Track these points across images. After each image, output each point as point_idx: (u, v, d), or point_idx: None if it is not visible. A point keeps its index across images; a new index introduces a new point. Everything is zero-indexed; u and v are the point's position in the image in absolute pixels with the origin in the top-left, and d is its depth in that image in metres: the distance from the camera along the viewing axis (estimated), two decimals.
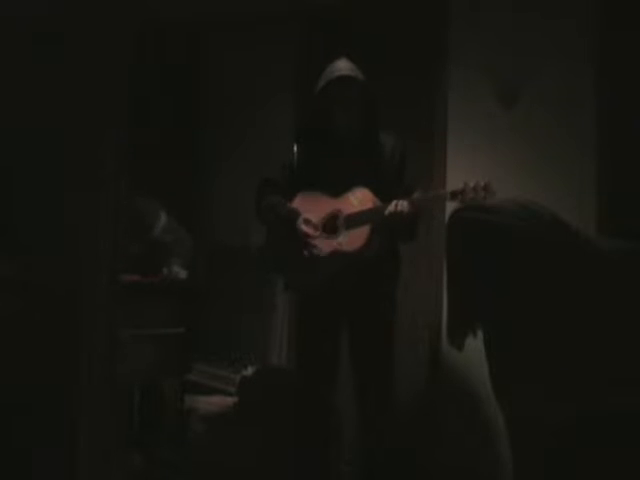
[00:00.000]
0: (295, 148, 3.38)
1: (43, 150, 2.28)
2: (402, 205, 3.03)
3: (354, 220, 3.16)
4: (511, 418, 2.33)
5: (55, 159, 2.29)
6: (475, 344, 2.39)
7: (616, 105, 3.20)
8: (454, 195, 2.96)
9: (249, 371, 3.97)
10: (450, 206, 3.24)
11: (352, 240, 3.14)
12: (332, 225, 3.22)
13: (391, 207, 3.05)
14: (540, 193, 2.85)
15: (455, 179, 3.49)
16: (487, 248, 2.32)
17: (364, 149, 3.26)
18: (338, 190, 3.24)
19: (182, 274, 3.94)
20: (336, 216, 3.21)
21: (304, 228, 3.22)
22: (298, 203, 3.30)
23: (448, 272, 2.44)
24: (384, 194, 3.15)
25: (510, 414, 2.33)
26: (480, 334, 2.39)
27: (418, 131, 3.74)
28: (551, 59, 3.36)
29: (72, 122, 2.26)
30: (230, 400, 3.96)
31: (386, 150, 3.26)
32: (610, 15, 3.21)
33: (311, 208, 3.26)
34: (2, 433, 2.25)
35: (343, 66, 3.22)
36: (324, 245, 3.20)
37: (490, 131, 3.48)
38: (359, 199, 3.18)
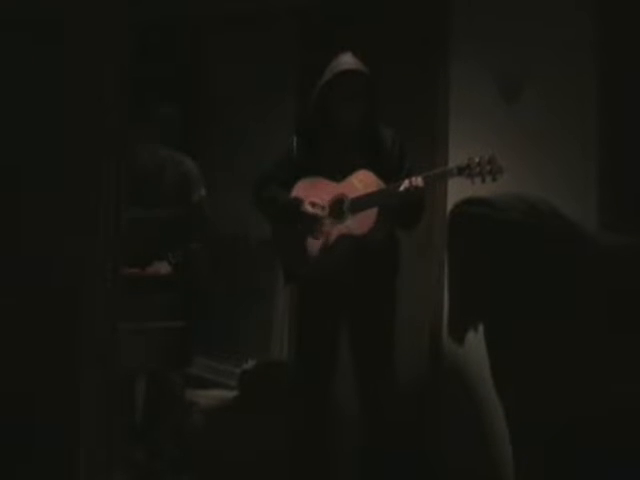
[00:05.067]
0: (294, 141, 3.37)
1: (44, 144, 2.27)
2: (417, 180, 3.02)
3: (360, 203, 3.14)
4: (512, 415, 2.33)
5: (56, 154, 2.28)
6: (477, 340, 2.37)
7: (618, 99, 3.18)
8: (461, 170, 2.96)
9: (250, 365, 3.98)
10: (451, 200, 3.28)
11: (360, 223, 3.12)
12: (338, 210, 3.20)
13: (406, 183, 3.03)
14: (541, 187, 2.87)
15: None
16: (488, 242, 2.32)
17: (365, 142, 3.25)
18: (340, 176, 3.22)
19: (165, 269, 3.92)
20: (341, 200, 3.19)
21: (311, 209, 3.20)
22: (300, 190, 3.28)
23: (449, 266, 2.43)
24: (386, 182, 3.15)
25: (511, 411, 2.33)
26: (481, 329, 2.37)
27: (419, 126, 3.73)
28: (553, 54, 3.35)
29: (72, 119, 2.26)
30: (231, 394, 3.98)
31: (387, 142, 3.26)
32: (611, 10, 3.19)
33: (314, 194, 3.24)
34: (2, 431, 2.25)
35: (348, 60, 3.22)
36: (332, 230, 3.18)
37: (492, 126, 3.46)
38: (363, 182, 3.17)
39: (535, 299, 2.24)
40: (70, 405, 2.31)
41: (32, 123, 2.23)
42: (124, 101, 2.31)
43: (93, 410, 2.35)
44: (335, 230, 3.18)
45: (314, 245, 3.22)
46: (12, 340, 2.28)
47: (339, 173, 3.24)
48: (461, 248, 2.40)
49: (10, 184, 2.25)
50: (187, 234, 3.98)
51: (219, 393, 4.12)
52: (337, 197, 3.21)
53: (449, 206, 3.26)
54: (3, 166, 2.24)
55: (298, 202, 3.24)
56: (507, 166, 2.95)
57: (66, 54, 2.22)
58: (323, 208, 3.21)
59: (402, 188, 3.04)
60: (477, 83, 3.57)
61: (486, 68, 3.53)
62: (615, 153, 3.20)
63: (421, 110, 3.76)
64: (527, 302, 2.26)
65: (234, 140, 4.89)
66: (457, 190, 3.34)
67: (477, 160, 2.93)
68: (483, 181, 2.93)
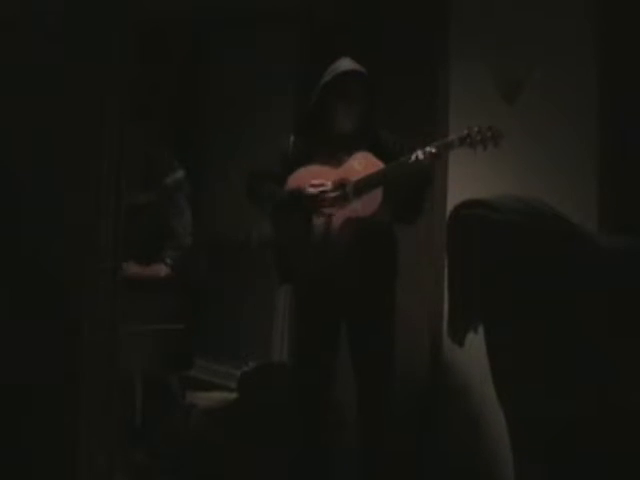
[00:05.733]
0: (292, 139, 3.36)
1: (44, 144, 2.27)
2: (424, 153, 2.96)
3: (365, 184, 3.10)
4: (512, 416, 2.32)
5: (56, 154, 2.29)
6: (477, 341, 2.36)
7: (619, 100, 3.16)
8: (462, 140, 2.93)
9: (250, 367, 3.96)
10: (451, 202, 3.29)
11: (366, 205, 3.09)
12: (342, 193, 3.16)
13: (419, 153, 2.97)
14: (541, 189, 2.81)
15: (457, 175, 3.56)
16: (487, 244, 2.30)
17: (364, 144, 3.22)
18: (337, 164, 3.21)
19: (164, 271, 3.90)
20: (343, 184, 3.16)
21: (314, 190, 3.16)
22: (297, 179, 3.24)
23: (449, 268, 2.41)
24: None
25: (511, 412, 2.32)
26: (481, 330, 2.36)
27: (419, 127, 3.68)
28: (553, 55, 3.33)
29: (71, 121, 2.26)
30: (231, 396, 3.95)
31: (386, 145, 3.24)
32: (612, 9, 3.17)
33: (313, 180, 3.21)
34: (2, 432, 2.24)
35: (347, 63, 3.22)
36: (337, 214, 3.14)
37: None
38: (362, 164, 3.14)
39: (535, 300, 2.22)
40: (70, 407, 2.29)
41: (31, 121, 2.22)
42: (124, 101, 2.31)
43: (93, 412, 2.34)
44: (340, 214, 3.15)
45: (319, 231, 3.18)
46: (11, 342, 2.26)
47: (337, 167, 3.22)
48: (460, 250, 2.38)
49: (10, 185, 2.24)
50: (165, 222, 3.95)
51: (219, 395, 4.08)
52: (339, 181, 3.18)
53: (449, 206, 3.31)
54: (1, 166, 2.24)
55: (299, 190, 3.20)
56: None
57: (66, 53, 2.22)
58: (325, 185, 3.17)
59: (414, 157, 2.98)
60: (477, 84, 3.55)
61: (486, 69, 3.51)
62: (617, 153, 3.17)
63: (421, 112, 3.75)
64: (527, 303, 2.24)
65: (234, 141, 4.89)
66: (457, 192, 3.41)
67: (477, 129, 2.91)
68: (485, 148, 2.89)
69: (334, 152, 3.24)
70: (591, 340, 2.18)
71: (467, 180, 3.31)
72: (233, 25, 4.72)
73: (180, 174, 4.01)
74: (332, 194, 3.15)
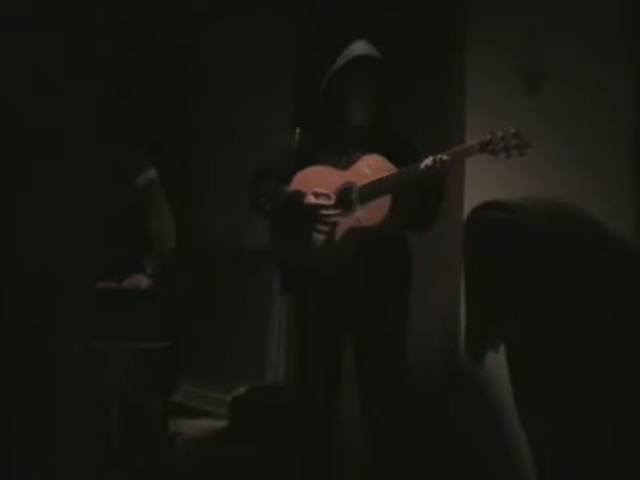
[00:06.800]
0: (298, 132, 3.20)
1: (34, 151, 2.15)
2: (436, 160, 2.77)
3: (371, 191, 2.93)
4: (535, 437, 2.08)
5: (42, 160, 2.16)
6: (497, 359, 2.12)
7: None
8: (483, 146, 2.73)
9: (241, 391, 3.82)
10: (468, 205, 3.20)
11: (372, 213, 2.92)
12: (346, 200, 2.99)
13: (428, 161, 2.78)
14: (569, 189, 2.79)
15: (473, 170, 3.41)
16: (508, 250, 2.08)
17: (378, 142, 3.04)
18: (346, 164, 3.04)
19: (144, 282, 3.69)
20: (349, 189, 3.00)
21: (315, 200, 3.01)
22: (300, 181, 3.10)
23: (466, 277, 2.19)
24: None
25: (535, 434, 2.08)
26: (502, 348, 2.12)
27: (434, 119, 3.61)
28: (582, 36, 3.16)
29: (69, 121, 2.18)
30: (220, 424, 3.84)
31: (405, 149, 3.05)
32: None
33: (317, 184, 3.06)
34: None
35: (362, 46, 3.05)
36: (340, 223, 2.99)
37: (512, 120, 3.08)
38: (372, 168, 2.96)
39: (562, 312, 1.99)
40: (42, 428, 2.12)
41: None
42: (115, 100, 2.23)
43: (66, 436, 2.17)
44: (343, 223, 2.99)
45: (320, 241, 3.01)
46: None
47: (345, 158, 3.07)
48: (479, 256, 2.16)
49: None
50: (143, 227, 3.75)
51: (207, 423, 3.99)
52: (344, 186, 3.01)
53: (465, 211, 3.13)
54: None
55: (300, 195, 3.05)
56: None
57: (63, 52, 2.15)
58: (329, 197, 3.00)
59: (423, 165, 2.81)
60: (496, 72, 3.40)
61: (505, 55, 3.36)
62: None
63: (436, 102, 3.65)
64: (553, 316, 2.00)
65: (229, 142, 4.83)
66: (474, 194, 3.28)
67: (500, 135, 2.72)
68: (508, 157, 2.72)
69: (344, 149, 3.08)
70: (629, 352, 1.94)
71: (486, 181, 3.15)
72: (231, 16, 4.70)
73: (152, 173, 3.86)
74: (333, 211, 3.01)
